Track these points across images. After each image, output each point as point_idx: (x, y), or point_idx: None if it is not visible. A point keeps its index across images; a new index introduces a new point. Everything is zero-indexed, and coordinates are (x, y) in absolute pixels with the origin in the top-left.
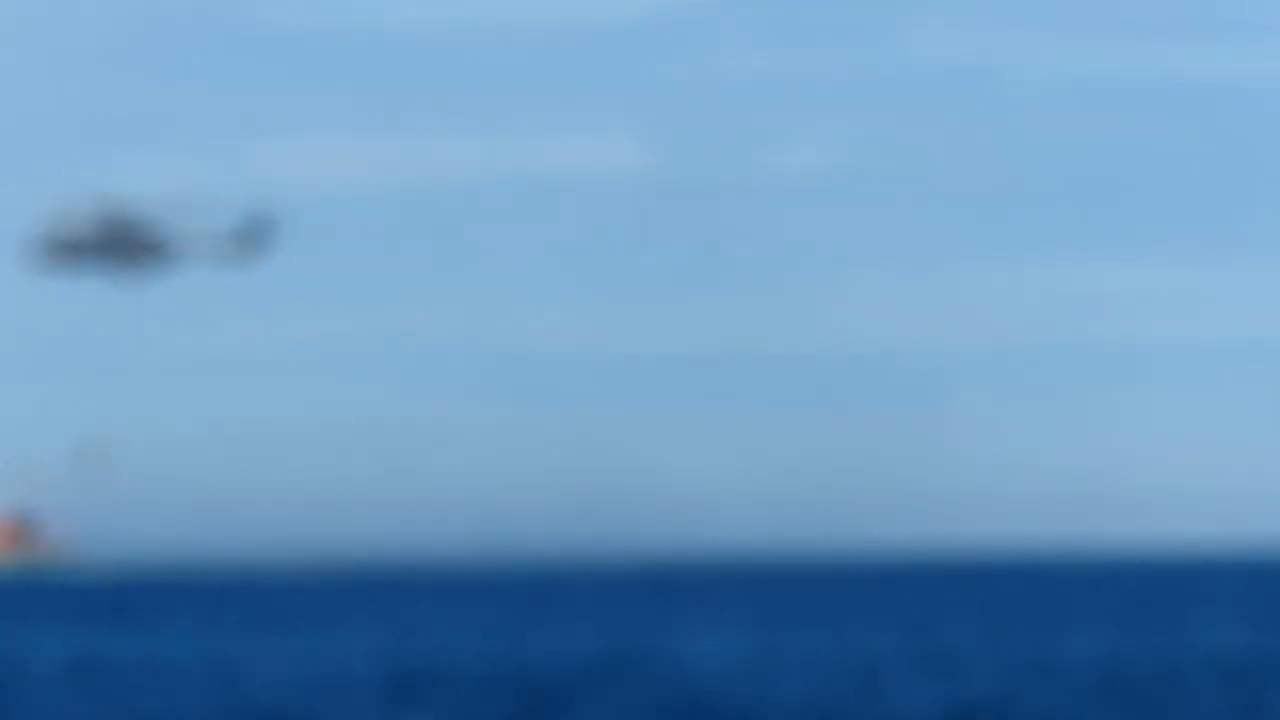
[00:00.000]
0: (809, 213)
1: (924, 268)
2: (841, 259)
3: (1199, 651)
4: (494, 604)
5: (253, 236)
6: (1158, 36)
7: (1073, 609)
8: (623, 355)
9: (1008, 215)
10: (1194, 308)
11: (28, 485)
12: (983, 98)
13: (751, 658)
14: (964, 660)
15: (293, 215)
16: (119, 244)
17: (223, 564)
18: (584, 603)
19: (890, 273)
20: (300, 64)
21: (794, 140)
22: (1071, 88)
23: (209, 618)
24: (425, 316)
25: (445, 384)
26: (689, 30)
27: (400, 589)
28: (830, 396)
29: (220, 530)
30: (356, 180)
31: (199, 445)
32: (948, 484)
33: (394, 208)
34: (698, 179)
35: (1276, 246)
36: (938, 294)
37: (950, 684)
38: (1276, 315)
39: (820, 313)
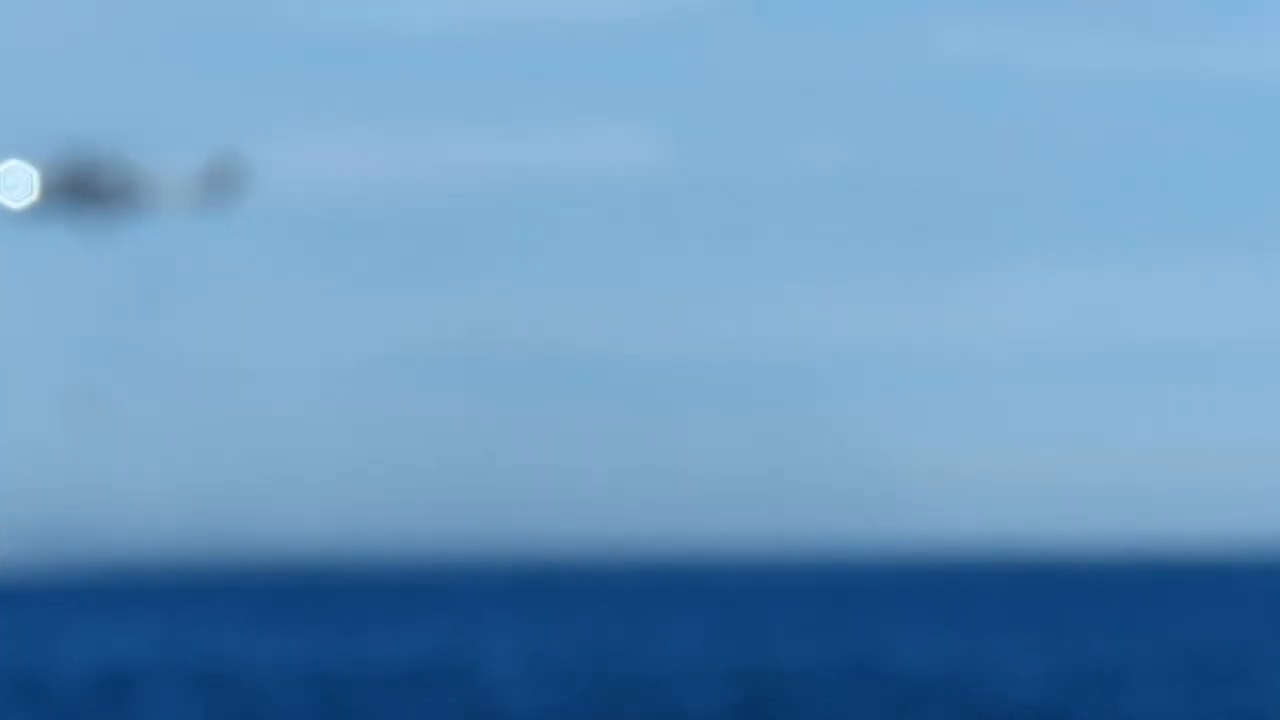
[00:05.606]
0: (822, 211)
1: (942, 267)
2: (852, 257)
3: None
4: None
5: (224, 179)
6: (1179, 34)
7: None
8: (634, 355)
9: (1028, 215)
10: (1208, 306)
11: None
12: (1002, 97)
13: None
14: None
15: (304, 213)
16: (83, 186)
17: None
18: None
19: (907, 272)
20: (315, 62)
21: (810, 139)
22: (1092, 86)
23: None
24: (434, 315)
25: (454, 383)
26: (703, 30)
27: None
28: (840, 396)
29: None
30: (369, 178)
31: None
32: (960, 481)
33: (405, 206)
34: (716, 178)
35: None
36: (951, 293)
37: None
38: None
39: (831, 310)
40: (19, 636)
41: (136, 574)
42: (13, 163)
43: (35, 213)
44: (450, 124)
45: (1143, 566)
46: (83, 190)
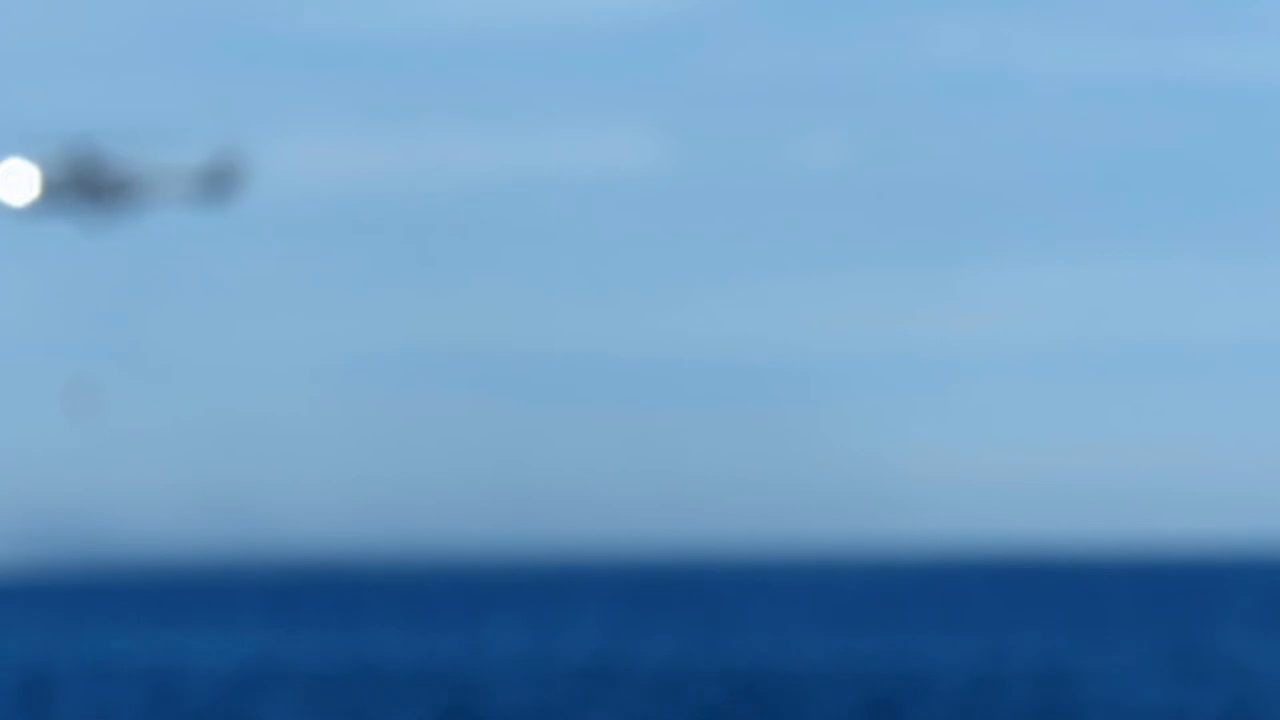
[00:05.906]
0: (821, 210)
1: (939, 266)
2: (850, 256)
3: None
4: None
5: (224, 174)
6: (1175, 35)
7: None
8: (634, 354)
9: (1023, 214)
10: (1210, 306)
11: None
12: (999, 97)
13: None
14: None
15: (304, 211)
16: (84, 183)
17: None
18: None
19: (905, 271)
20: (315, 61)
21: (808, 139)
22: (1087, 87)
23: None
24: (433, 314)
25: (452, 382)
26: (702, 30)
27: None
28: (838, 393)
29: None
30: (369, 177)
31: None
32: (960, 479)
33: (405, 206)
34: (716, 178)
35: None
36: (954, 292)
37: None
38: None
39: (829, 309)
40: (17, 634)
41: (134, 570)
42: (15, 160)
43: (38, 210)
44: (450, 124)
45: (1138, 564)
46: (84, 187)
